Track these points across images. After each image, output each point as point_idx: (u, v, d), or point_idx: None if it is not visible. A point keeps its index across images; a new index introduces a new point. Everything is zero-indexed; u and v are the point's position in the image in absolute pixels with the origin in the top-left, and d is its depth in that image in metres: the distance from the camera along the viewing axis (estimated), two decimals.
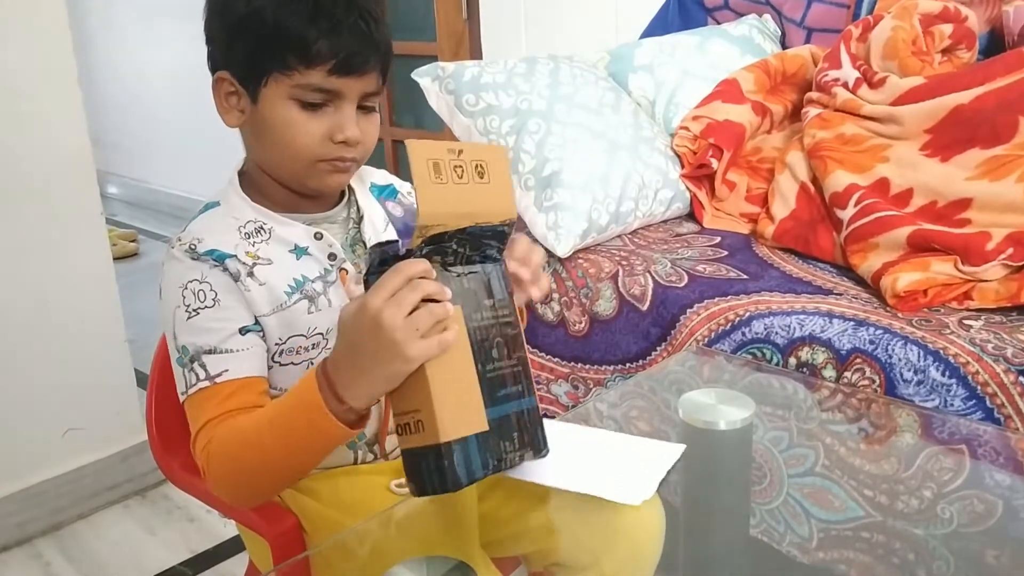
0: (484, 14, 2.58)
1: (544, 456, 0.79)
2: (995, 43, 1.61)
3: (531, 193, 1.53)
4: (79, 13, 3.73)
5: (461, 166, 0.73)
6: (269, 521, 0.92)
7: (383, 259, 0.71)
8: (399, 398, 0.72)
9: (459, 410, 0.71)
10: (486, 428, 0.72)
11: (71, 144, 1.72)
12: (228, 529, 1.69)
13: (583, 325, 1.48)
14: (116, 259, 1.87)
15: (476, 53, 2.66)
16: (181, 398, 0.85)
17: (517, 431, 0.76)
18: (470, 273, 0.76)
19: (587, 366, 1.49)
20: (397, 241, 0.76)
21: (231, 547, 1.68)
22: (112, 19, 4.10)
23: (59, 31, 1.68)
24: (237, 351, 0.85)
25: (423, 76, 1.66)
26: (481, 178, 0.75)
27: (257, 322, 0.87)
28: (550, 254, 1.51)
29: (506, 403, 0.76)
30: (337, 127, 0.86)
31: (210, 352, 0.84)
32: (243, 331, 0.86)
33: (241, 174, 0.94)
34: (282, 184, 0.91)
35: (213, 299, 0.85)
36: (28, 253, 1.68)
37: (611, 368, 1.45)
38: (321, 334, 0.90)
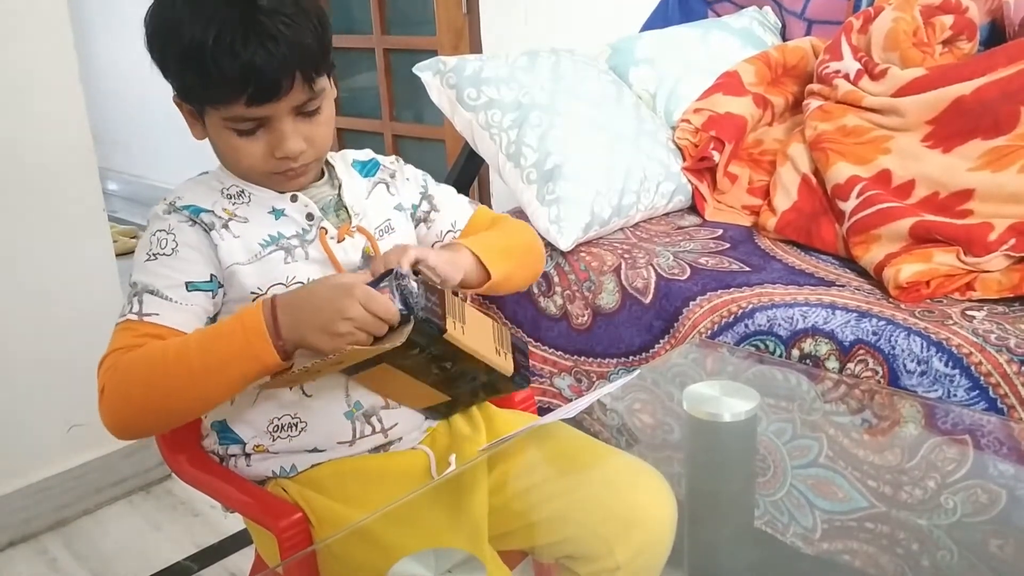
0: (484, 8, 2.58)
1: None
2: (996, 34, 1.60)
3: (533, 187, 1.53)
4: (80, 9, 3.71)
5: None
6: (276, 515, 0.92)
7: (384, 275, 0.85)
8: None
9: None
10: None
11: (73, 140, 1.72)
12: (234, 524, 1.69)
13: (586, 318, 1.48)
14: (116, 255, 1.87)
15: (476, 47, 2.65)
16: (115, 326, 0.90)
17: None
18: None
19: (590, 359, 1.49)
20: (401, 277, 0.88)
21: (237, 542, 1.68)
22: (112, 15, 4.09)
23: (60, 27, 1.68)
24: (175, 302, 0.88)
25: (424, 70, 1.65)
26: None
27: (212, 280, 0.90)
28: (552, 248, 1.51)
29: None
30: (275, 144, 0.89)
31: (152, 293, 0.88)
32: (190, 287, 0.89)
33: None
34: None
35: (172, 249, 0.90)
36: (30, 250, 1.68)
37: (614, 361, 1.46)
38: (301, 283, 0.92)
